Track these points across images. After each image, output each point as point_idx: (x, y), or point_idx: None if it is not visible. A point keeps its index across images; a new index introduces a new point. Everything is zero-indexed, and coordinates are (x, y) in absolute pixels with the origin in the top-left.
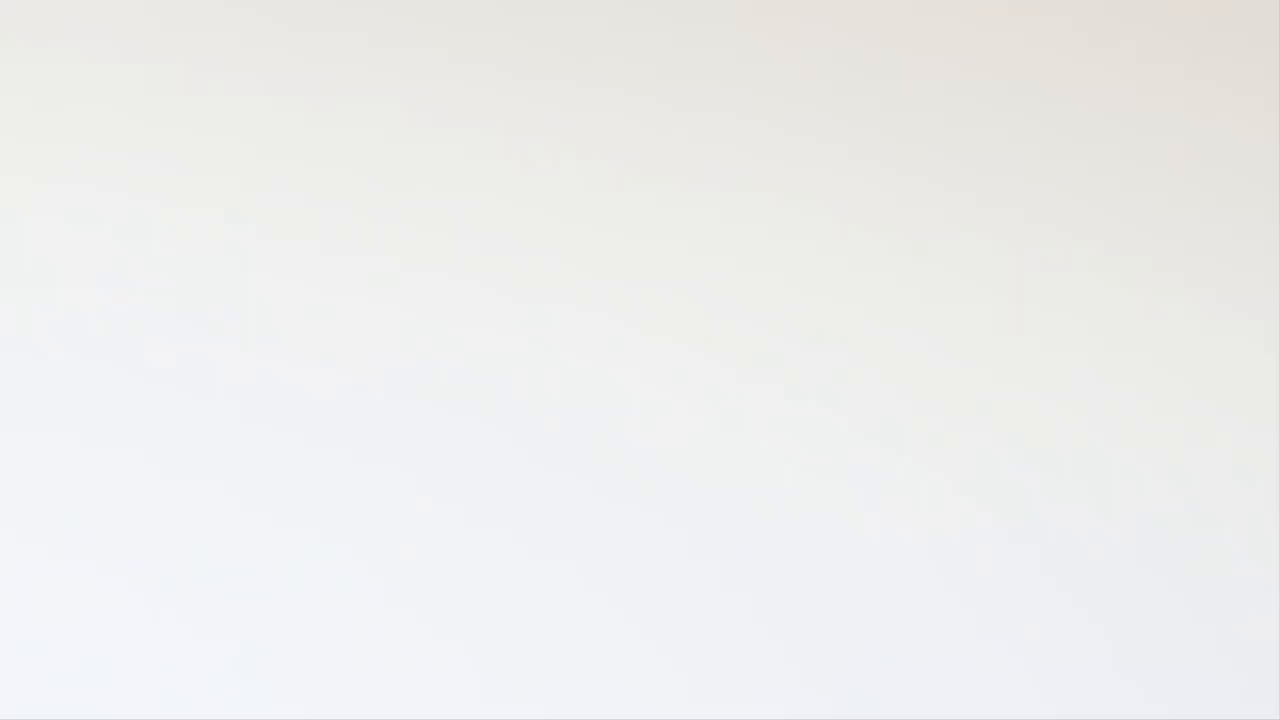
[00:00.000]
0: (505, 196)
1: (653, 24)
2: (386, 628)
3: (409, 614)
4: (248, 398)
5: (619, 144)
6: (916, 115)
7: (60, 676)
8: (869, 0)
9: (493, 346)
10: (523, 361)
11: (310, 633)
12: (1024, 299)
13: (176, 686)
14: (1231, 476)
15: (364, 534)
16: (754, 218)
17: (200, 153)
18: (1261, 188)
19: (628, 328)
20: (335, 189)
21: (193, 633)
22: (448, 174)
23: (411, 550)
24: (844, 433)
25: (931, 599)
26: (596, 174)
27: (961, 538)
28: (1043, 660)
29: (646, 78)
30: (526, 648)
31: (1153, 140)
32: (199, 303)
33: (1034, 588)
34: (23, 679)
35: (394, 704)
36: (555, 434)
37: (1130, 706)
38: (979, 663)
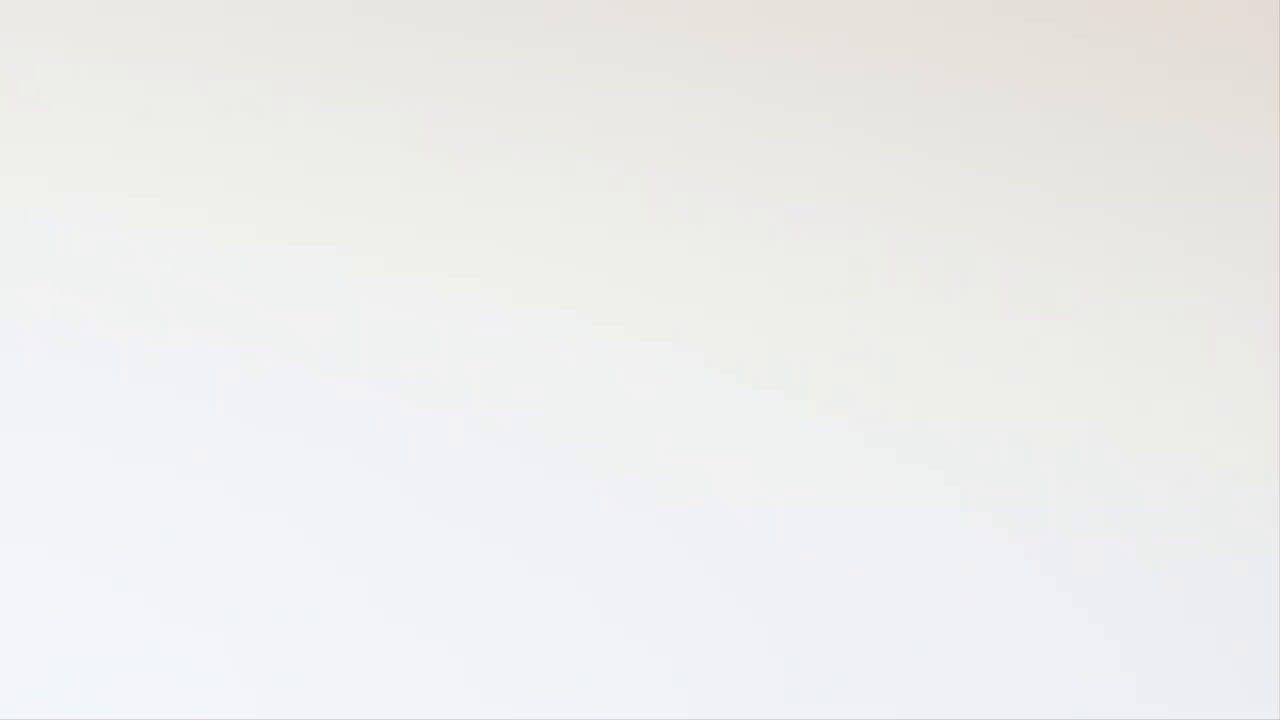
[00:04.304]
0: (506, 199)
1: (653, 26)
2: (384, 630)
3: (407, 616)
4: (246, 398)
5: (619, 146)
6: (917, 118)
7: (60, 676)
8: (868, 3)
9: (492, 350)
10: (522, 365)
11: (309, 634)
12: (1023, 301)
13: (176, 687)
14: (1231, 476)
15: (363, 535)
16: (752, 220)
17: (200, 154)
18: (1261, 188)
19: (625, 331)
20: (335, 190)
21: (192, 634)
22: (448, 176)
23: (410, 553)
24: (843, 435)
25: (931, 600)
26: (596, 177)
27: (961, 538)
28: (1043, 660)
29: (649, 80)
30: (525, 650)
31: (1152, 140)
32: (199, 303)
33: (1034, 588)
34: (23, 679)
35: (393, 706)
36: (554, 437)
37: (1130, 706)
38: (979, 663)
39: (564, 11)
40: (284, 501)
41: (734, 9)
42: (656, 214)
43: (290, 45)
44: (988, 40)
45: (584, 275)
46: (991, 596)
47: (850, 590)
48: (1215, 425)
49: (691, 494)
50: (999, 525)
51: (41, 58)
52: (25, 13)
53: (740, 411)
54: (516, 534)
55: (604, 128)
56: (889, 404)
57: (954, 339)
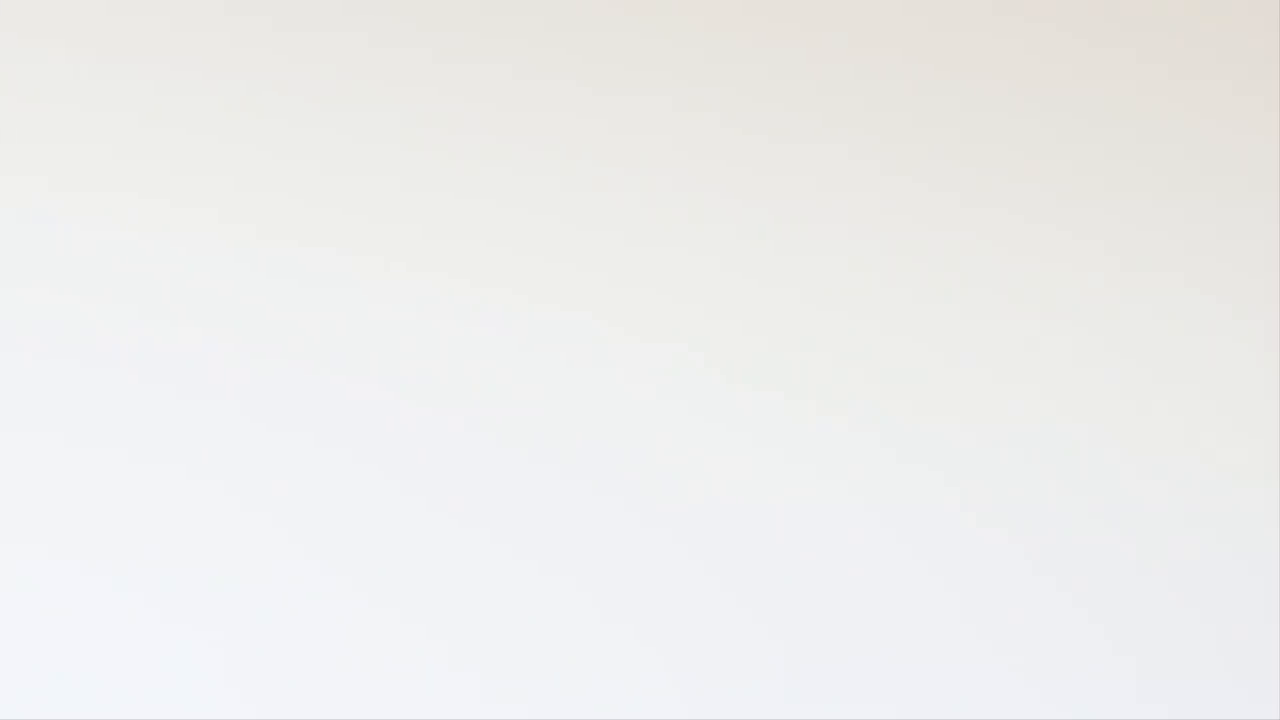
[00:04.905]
0: (508, 199)
1: (653, 26)
2: (387, 630)
3: (409, 615)
4: (251, 398)
5: (620, 146)
6: (917, 118)
7: (60, 676)
8: (868, 3)
9: (495, 350)
10: (525, 365)
11: (311, 635)
12: (1023, 301)
13: (176, 687)
14: (1231, 476)
15: (366, 535)
16: (753, 220)
17: (206, 154)
18: (1261, 188)
19: (626, 331)
20: (337, 190)
21: (193, 634)
22: (451, 176)
23: (412, 551)
24: (843, 435)
25: (931, 600)
26: (597, 177)
27: (961, 538)
28: (1043, 660)
29: (650, 80)
30: (526, 650)
31: (1152, 140)
32: (203, 303)
33: (1034, 588)
34: (23, 679)
35: (395, 707)
36: (556, 436)
37: (1130, 706)
38: (979, 663)
39: (565, 11)
40: (288, 501)
41: (734, 9)
42: (657, 214)
43: (293, 46)
44: (988, 40)
45: (585, 275)
46: (991, 596)
47: (850, 590)
48: (1215, 425)
49: (692, 494)
50: (999, 525)
51: (45, 58)
52: (28, 13)
53: (740, 411)
54: (518, 533)
55: (605, 128)
56: (889, 404)
57: (954, 339)
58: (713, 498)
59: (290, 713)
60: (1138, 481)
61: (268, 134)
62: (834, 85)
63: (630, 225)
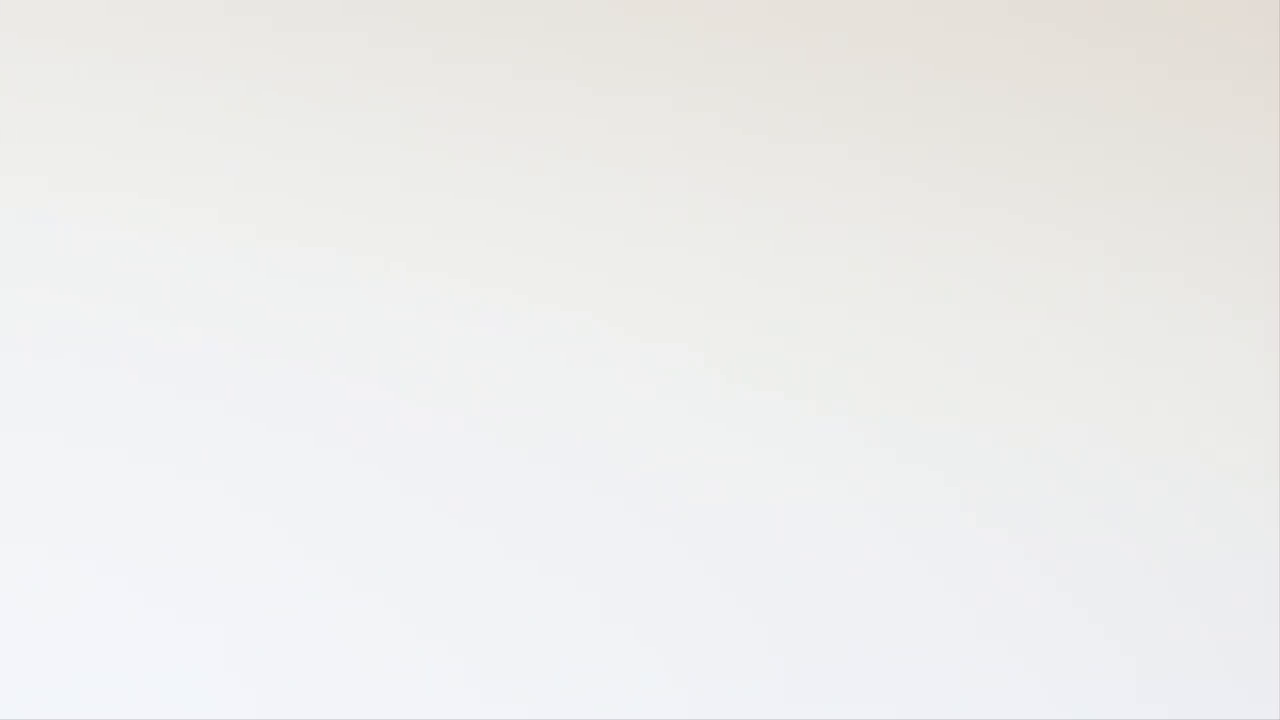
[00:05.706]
0: (506, 199)
1: (653, 26)
2: (387, 630)
3: (409, 615)
4: (251, 398)
5: (620, 146)
6: (917, 118)
7: (60, 676)
8: (868, 3)
9: (494, 350)
10: (523, 365)
11: (311, 635)
12: (1023, 301)
13: (177, 687)
14: (1231, 476)
15: (366, 535)
16: (753, 220)
17: (202, 154)
18: (1261, 188)
19: (626, 331)
20: (337, 190)
21: (194, 634)
22: (450, 176)
23: (411, 552)
24: (843, 435)
25: (931, 600)
26: (596, 177)
27: (960, 538)
28: (1043, 660)
29: (649, 80)
30: (526, 650)
31: (1152, 140)
32: (203, 303)
33: (1034, 589)
34: (23, 679)
35: (394, 707)
36: (555, 437)
37: (1130, 706)
38: (979, 663)
39: (564, 11)
40: (288, 501)
41: (734, 9)
42: (657, 214)
43: (293, 46)
44: (988, 40)
45: (584, 275)
46: (991, 596)
47: (850, 590)
48: (1215, 425)
49: (691, 494)
50: (999, 525)
51: (45, 58)
52: (28, 13)
53: (740, 411)
54: (518, 533)
55: (604, 128)
56: (889, 404)
57: (954, 339)
58: (713, 498)
59: (290, 712)
60: (1138, 481)
61: (268, 134)
62: (834, 85)
63: (630, 225)
